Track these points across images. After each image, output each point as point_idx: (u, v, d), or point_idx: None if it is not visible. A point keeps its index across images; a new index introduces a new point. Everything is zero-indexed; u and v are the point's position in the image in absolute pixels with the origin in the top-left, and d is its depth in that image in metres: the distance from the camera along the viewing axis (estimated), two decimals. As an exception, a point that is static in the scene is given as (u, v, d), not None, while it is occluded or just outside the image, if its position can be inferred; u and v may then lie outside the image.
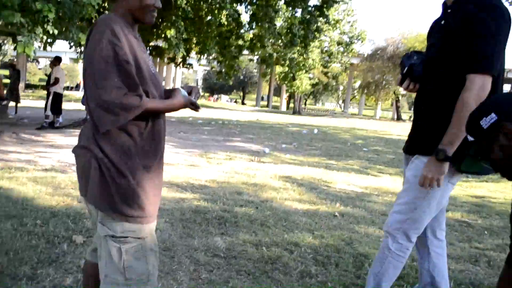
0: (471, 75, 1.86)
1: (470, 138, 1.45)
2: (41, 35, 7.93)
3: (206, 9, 12.11)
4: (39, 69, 54.44)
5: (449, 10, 2.07)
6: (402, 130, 20.25)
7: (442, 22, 2.09)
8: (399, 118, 34.91)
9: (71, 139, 8.97)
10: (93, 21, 10.27)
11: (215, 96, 47.97)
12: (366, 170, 7.61)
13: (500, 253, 3.51)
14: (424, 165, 1.98)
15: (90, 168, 1.58)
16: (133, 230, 1.59)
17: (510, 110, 1.36)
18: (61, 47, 18.12)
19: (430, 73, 2.06)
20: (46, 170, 5.47)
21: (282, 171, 6.66)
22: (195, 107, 1.75)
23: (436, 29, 2.15)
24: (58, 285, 2.43)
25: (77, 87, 38.01)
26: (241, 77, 53.15)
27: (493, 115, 1.36)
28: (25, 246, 2.88)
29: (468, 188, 6.41)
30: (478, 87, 1.84)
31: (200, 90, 1.93)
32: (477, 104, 1.82)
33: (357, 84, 43.60)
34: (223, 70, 19.02)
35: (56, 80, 10.65)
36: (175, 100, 1.67)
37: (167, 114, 1.79)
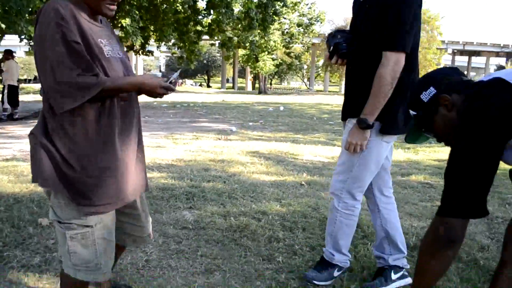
0: (387, 52, 2.00)
1: (413, 113, 1.55)
2: None
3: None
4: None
5: None
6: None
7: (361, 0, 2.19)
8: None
9: (31, 129, 8.73)
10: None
11: (180, 81, 47.34)
12: (332, 142, 7.76)
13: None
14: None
15: (36, 154, 1.56)
16: (79, 217, 1.57)
17: (447, 83, 1.46)
18: (15, 41, 17.46)
19: (354, 49, 2.19)
20: (7, 159, 5.33)
21: (250, 147, 6.72)
22: (166, 90, 1.65)
23: (356, 6, 2.25)
24: (26, 264, 2.41)
25: (35, 79, 36.76)
26: (205, 61, 52.62)
27: (432, 88, 1.47)
28: (-11, 232, 2.83)
29: (431, 153, 6.68)
30: (393, 63, 1.99)
31: (158, 71, 1.81)
32: (392, 79, 2.00)
33: (320, 63, 43.93)
34: (184, 55, 18.77)
35: (7, 72, 10.44)
36: (139, 77, 1.62)
37: None
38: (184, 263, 2.52)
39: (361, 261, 2.60)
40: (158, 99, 1.75)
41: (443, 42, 37.19)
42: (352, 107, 2.20)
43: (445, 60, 46.56)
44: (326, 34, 2.51)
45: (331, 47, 2.25)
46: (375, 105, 2.04)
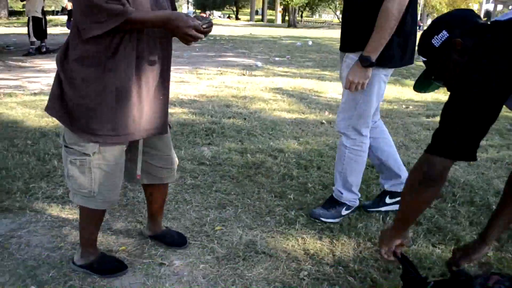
0: None
1: (423, 59, 1.45)
2: None
3: None
4: (22, -7, 52.00)
5: None
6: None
7: None
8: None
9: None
10: None
11: (208, 12, 46.26)
12: (358, 79, 7.57)
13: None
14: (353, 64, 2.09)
15: (55, 81, 1.64)
16: (78, 144, 1.65)
17: (460, 26, 1.35)
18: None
19: None
20: (35, 94, 5.47)
21: (274, 84, 6.64)
22: (196, 31, 1.52)
23: None
24: (50, 196, 2.55)
25: (62, 11, 36.59)
26: (234, -9, 50.94)
27: (444, 32, 1.36)
28: (17, 164, 2.98)
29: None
30: None
31: (191, 7, 1.68)
32: (399, 13, 1.91)
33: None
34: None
35: (29, 3, 10.37)
36: (168, 12, 1.57)
37: None
38: (199, 198, 2.61)
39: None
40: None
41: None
42: (352, 40, 2.12)
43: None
44: None
45: None
46: (380, 41, 1.97)
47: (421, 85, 1.57)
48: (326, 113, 4.89)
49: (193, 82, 6.65)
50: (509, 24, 1.22)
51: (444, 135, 1.27)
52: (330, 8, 52.91)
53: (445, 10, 30.79)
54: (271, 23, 41.13)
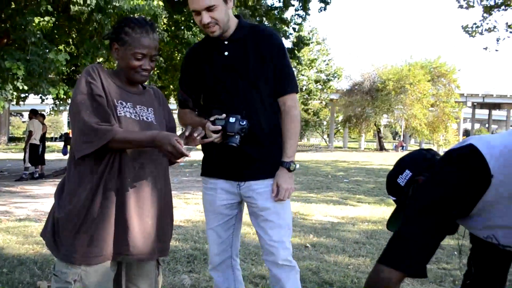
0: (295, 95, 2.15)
1: (392, 198, 1.59)
2: (11, 91, 8.20)
3: (178, 58, 12.50)
4: (23, 122, 54.38)
5: None
6: (383, 159, 20.51)
7: None
8: (382, 148, 35.37)
9: (50, 188, 8.95)
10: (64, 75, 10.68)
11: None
12: (344, 201, 7.70)
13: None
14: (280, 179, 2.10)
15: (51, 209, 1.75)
16: (62, 270, 1.65)
17: (420, 163, 1.51)
18: (49, 100, 18.39)
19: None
20: (20, 220, 5.46)
21: (259, 207, 6.70)
22: (175, 149, 1.57)
23: None
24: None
25: (61, 138, 37.94)
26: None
27: (407, 171, 1.51)
28: (-12, 296, 2.88)
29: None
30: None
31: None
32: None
33: (339, 118, 44.39)
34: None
35: (30, 133, 10.96)
36: (155, 132, 1.65)
37: None
38: (174, 331, 2.50)
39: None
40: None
41: (461, 95, 37.21)
42: (263, 165, 2.13)
43: (465, 114, 46.30)
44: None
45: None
46: (296, 144, 2.13)
47: (394, 223, 1.62)
48: (311, 236, 4.88)
49: (180, 207, 6.71)
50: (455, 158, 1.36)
51: (397, 247, 1.33)
52: (317, 132, 55.51)
53: (425, 132, 32.35)
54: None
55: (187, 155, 1.60)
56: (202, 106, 2.22)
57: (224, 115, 1.99)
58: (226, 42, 2.10)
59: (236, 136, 1.97)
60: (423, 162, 1.51)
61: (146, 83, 1.92)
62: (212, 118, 2.01)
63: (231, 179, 2.16)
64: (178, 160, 1.64)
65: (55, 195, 1.74)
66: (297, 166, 2.15)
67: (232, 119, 1.97)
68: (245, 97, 2.08)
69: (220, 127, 1.98)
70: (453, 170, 1.30)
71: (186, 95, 2.22)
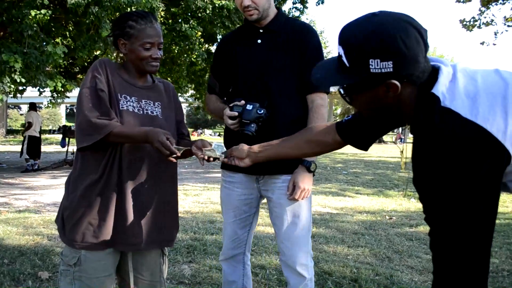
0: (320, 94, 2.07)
1: (340, 53, 1.15)
2: (8, 84, 8.19)
3: (176, 51, 12.47)
4: (21, 114, 54.23)
5: None
6: (382, 151, 20.55)
7: None
8: (380, 141, 35.47)
9: (49, 180, 8.97)
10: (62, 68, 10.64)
11: (199, 131, 48.20)
12: (343, 192, 7.73)
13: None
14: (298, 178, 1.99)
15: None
16: (65, 254, 1.75)
17: (411, 66, 1.10)
18: (47, 93, 18.35)
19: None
20: (20, 211, 5.48)
21: (258, 199, 6.73)
22: (163, 146, 1.59)
23: None
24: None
25: (59, 130, 37.93)
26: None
27: (390, 63, 1.08)
28: (-10, 286, 2.90)
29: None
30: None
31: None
32: None
33: (338, 111, 44.37)
34: (201, 106, 19.29)
35: (29, 125, 10.95)
36: (148, 128, 1.66)
37: None
38: (175, 319, 2.52)
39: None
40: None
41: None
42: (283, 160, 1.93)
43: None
44: None
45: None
46: None
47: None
48: (310, 227, 4.91)
49: (179, 198, 6.70)
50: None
51: (450, 281, 1.04)
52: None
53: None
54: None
55: (176, 153, 1.61)
56: (230, 93, 2.17)
57: (242, 102, 1.93)
58: (261, 30, 2.08)
59: (252, 125, 1.89)
60: (414, 63, 1.07)
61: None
62: (231, 104, 1.97)
63: (250, 173, 2.06)
64: (170, 158, 1.63)
65: (65, 184, 1.80)
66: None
67: (249, 106, 1.89)
68: (270, 87, 2.02)
69: (236, 113, 1.92)
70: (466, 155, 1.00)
71: (215, 80, 2.20)
